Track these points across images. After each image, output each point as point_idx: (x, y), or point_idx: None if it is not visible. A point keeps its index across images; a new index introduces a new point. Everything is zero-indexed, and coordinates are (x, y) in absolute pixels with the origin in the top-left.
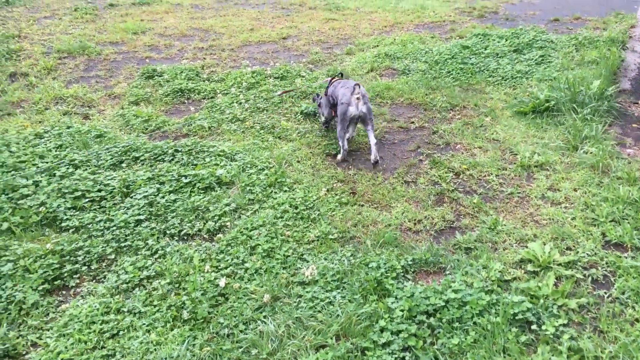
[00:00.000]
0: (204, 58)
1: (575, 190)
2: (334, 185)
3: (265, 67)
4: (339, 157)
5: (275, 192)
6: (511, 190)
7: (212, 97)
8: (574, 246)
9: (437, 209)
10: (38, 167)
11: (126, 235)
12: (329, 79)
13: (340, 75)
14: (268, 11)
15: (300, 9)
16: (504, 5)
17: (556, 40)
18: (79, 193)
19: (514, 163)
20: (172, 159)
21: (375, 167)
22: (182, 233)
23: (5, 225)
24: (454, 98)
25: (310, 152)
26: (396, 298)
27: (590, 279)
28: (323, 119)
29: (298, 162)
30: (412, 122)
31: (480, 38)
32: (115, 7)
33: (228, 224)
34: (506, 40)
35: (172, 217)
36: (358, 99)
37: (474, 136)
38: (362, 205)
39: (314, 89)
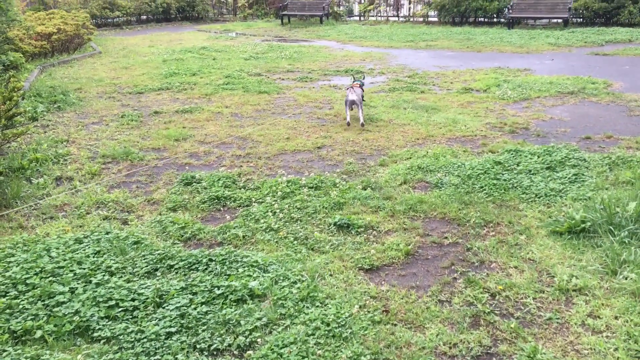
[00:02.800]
0: (241, 166)
1: (616, 318)
2: (367, 301)
3: (300, 177)
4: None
5: (307, 307)
6: (550, 316)
7: (247, 206)
8: None
9: (473, 332)
10: (75, 273)
11: (156, 349)
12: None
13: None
14: (304, 121)
15: (335, 120)
16: (534, 122)
17: (589, 158)
18: (113, 302)
19: (552, 286)
20: (206, 269)
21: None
22: (212, 348)
23: (39, 333)
24: (488, 214)
25: (343, 266)
26: None
27: None
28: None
29: (330, 275)
30: (446, 238)
31: (512, 154)
32: (159, 114)
33: (259, 339)
34: (538, 157)
35: (203, 331)
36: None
37: (509, 255)
38: (395, 325)
39: None
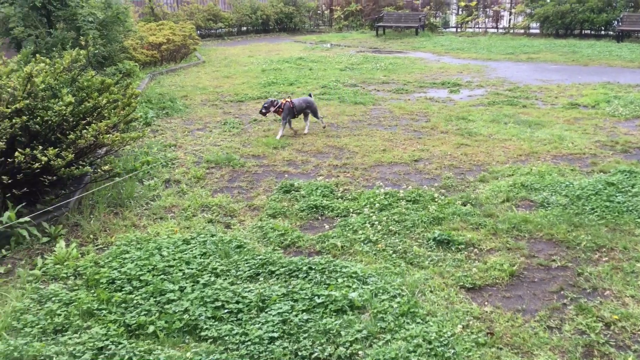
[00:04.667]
0: (338, 176)
1: None
2: (470, 322)
3: (398, 189)
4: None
5: (408, 323)
6: None
7: (345, 216)
8: None
9: None
10: (184, 273)
11: (260, 353)
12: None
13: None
14: (400, 133)
15: (432, 133)
16: None
17: None
18: (219, 303)
19: None
20: (306, 276)
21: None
22: (313, 356)
23: (151, 328)
24: (600, 238)
25: (444, 283)
26: None
27: None
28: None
29: (431, 292)
30: (554, 260)
31: (626, 175)
32: (259, 122)
33: (360, 352)
34: None
35: (304, 338)
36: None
37: (625, 283)
38: (501, 349)
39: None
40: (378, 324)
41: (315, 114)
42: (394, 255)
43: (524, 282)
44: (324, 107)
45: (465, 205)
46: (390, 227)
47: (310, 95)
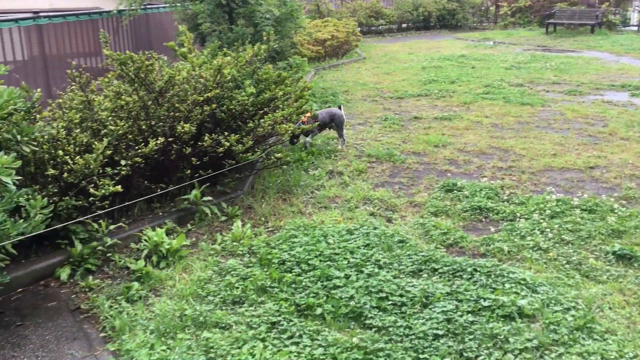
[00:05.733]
0: (503, 178)
1: None
2: None
3: (571, 197)
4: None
5: (584, 338)
6: None
7: (511, 220)
8: None
9: None
10: (349, 262)
11: (424, 348)
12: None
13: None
14: (573, 137)
15: (610, 139)
16: None
17: None
18: (383, 294)
19: None
20: (470, 278)
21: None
22: (479, 359)
23: (319, 310)
24: None
25: (625, 301)
26: None
27: None
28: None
29: (609, 308)
30: None
31: None
32: (419, 120)
33: None
34: None
35: (470, 340)
36: None
37: None
38: None
39: None
40: (550, 335)
41: (339, 130)
42: (567, 266)
43: None
44: (487, 107)
45: None
46: (563, 236)
47: (340, 108)
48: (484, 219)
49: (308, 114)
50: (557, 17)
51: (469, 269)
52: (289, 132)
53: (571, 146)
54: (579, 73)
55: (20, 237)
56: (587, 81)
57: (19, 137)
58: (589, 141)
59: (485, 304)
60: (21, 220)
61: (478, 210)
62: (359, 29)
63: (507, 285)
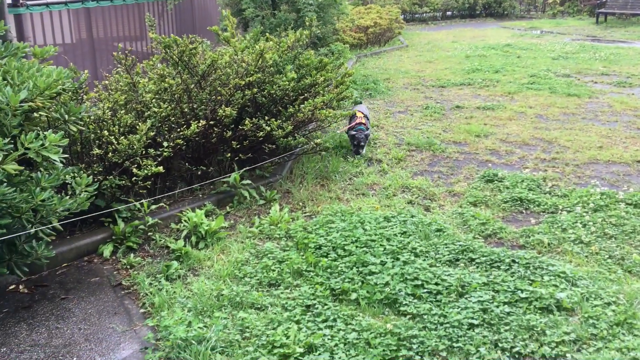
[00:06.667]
0: (546, 170)
1: None
2: None
3: (617, 190)
4: None
5: (624, 334)
6: None
7: (552, 212)
8: None
9: None
10: (385, 248)
11: (459, 337)
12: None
13: None
14: (620, 130)
15: None
16: None
17: None
18: (419, 282)
19: None
20: (508, 269)
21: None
22: (514, 350)
23: (354, 295)
24: None
25: None
26: None
27: None
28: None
29: None
30: None
31: None
32: (461, 109)
33: (567, 355)
34: None
35: (505, 331)
36: None
37: None
38: None
39: None
40: (589, 329)
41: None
42: (609, 261)
43: None
44: (532, 97)
45: None
46: (606, 230)
47: (360, 103)
48: (524, 211)
49: (359, 114)
50: (608, 6)
51: (507, 260)
52: (353, 137)
53: (618, 139)
54: (630, 64)
55: (66, 214)
56: (637, 73)
57: (66, 116)
58: (637, 134)
59: (523, 295)
60: (67, 197)
61: (518, 202)
62: (402, 16)
63: (545, 278)
